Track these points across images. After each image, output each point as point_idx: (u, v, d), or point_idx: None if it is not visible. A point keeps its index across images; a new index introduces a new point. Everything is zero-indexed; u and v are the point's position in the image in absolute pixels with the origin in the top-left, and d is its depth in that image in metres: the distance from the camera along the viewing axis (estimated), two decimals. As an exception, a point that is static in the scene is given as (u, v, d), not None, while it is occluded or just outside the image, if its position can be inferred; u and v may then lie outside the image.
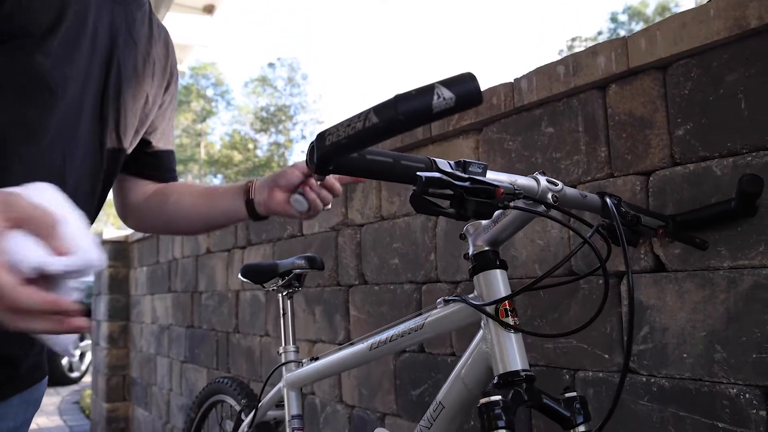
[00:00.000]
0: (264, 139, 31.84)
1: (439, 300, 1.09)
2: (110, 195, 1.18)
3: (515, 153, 1.54)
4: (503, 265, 1.00)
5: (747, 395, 1.08)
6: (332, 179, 1.03)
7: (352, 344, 1.30)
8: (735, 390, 1.09)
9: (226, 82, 42.99)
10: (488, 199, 0.78)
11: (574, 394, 0.94)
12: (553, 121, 1.45)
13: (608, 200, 0.90)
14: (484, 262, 0.99)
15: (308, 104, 32.59)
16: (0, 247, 0.54)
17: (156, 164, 1.19)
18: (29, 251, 0.55)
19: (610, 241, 0.96)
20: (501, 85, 1.56)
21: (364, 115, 0.67)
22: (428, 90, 0.64)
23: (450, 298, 1.06)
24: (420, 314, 1.12)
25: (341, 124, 0.70)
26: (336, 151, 0.71)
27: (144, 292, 4.36)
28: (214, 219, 1.16)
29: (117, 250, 4.70)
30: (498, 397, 0.86)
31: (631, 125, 1.29)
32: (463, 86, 0.64)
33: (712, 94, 1.16)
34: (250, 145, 31.53)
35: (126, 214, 1.22)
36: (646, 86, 1.26)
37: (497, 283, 0.97)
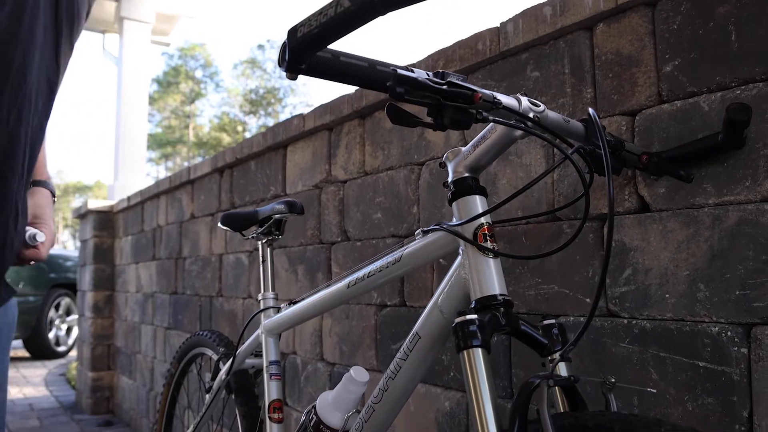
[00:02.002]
0: (253, 122, 31.67)
1: (417, 231, 1.06)
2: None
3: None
4: (483, 192, 0.97)
5: (729, 333, 1.06)
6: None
7: (328, 285, 1.28)
8: (717, 328, 1.07)
9: (215, 63, 42.68)
10: (466, 104, 0.75)
11: (553, 321, 0.92)
12: (539, 64, 1.42)
13: (591, 111, 0.87)
14: (463, 188, 0.97)
15: (298, 87, 32.38)
16: None
17: None
18: None
19: (593, 167, 0.94)
20: (487, 30, 1.53)
21: (335, 1, 0.64)
22: (401, -31, 0.60)
23: (428, 228, 1.03)
24: (398, 247, 1.10)
25: (313, 14, 0.67)
26: (308, 43, 0.68)
27: (129, 261, 4.31)
28: None
29: (102, 220, 4.65)
30: (474, 316, 0.84)
31: (617, 64, 1.26)
32: (439, -33, 0.60)
33: (701, 27, 1.13)
34: (239, 128, 31.34)
35: None
36: (635, 23, 1.23)
37: (476, 208, 0.95)
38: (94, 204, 4.69)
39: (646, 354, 1.17)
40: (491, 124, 0.93)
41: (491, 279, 0.90)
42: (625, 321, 1.21)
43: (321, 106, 2.11)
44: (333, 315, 2.04)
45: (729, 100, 1.08)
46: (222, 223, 1.64)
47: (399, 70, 0.72)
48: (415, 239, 1.07)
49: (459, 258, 0.96)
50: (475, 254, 0.92)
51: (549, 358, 0.90)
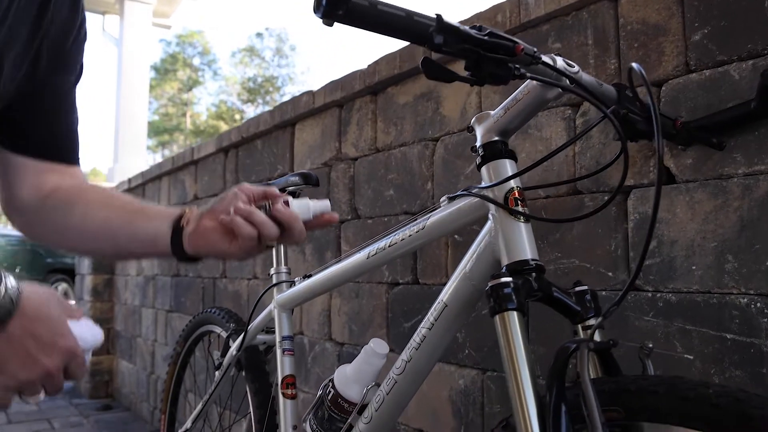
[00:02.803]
0: (251, 111, 31.54)
1: (443, 198, 1.04)
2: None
3: (519, 72, 1.48)
4: (512, 156, 0.95)
5: (758, 304, 1.04)
6: (289, 212, 0.80)
7: (347, 257, 1.25)
8: (745, 300, 1.06)
9: (213, 51, 42.51)
10: (507, 56, 0.73)
11: (585, 287, 0.89)
12: (561, 36, 1.39)
13: (636, 66, 0.84)
14: (492, 152, 0.94)
15: (296, 76, 32.28)
16: (70, 333, 0.67)
17: (52, 139, 0.91)
18: (83, 334, 0.69)
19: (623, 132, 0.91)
20: (506, 1, 1.50)
21: (378, -60, 0.61)
22: None
23: (455, 194, 1.01)
24: (421, 215, 1.07)
25: (353, -45, 0.64)
26: (347, -15, 0.65)
27: (129, 244, 4.28)
28: (126, 244, 0.88)
29: (101, 202, 4.60)
30: (508, 278, 0.82)
31: (644, 34, 1.24)
32: None
33: (732, -7, 1.10)
34: (237, 116, 31.21)
35: (12, 211, 0.93)
36: (662, -9, 1.21)
37: (506, 172, 0.92)
38: (94, 187, 4.65)
39: (671, 327, 1.15)
40: (523, 85, 0.91)
41: (522, 243, 0.88)
42: (650, 294, 1.19)
43: (332, 82, 2.08)
44: (342, 294, 2.02)
45: (761, 68, 1.05)
46: (233, 197, 1.61)
47: (445, 19, 0.69)
48: (440, 206, 1.04)
49: (488, 223, 0.93)
50: (506, 219, 0.90)
51: (581, 325, 0.88)
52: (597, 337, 0.85)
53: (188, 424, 1.86)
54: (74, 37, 0.90)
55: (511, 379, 0.79)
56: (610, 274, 1.26)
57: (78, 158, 0.96)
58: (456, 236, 1.60)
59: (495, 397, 1.48)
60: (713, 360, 1.08)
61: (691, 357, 1.11)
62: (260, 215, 0.79)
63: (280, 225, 0.80)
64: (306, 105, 2.21)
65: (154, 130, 28.64)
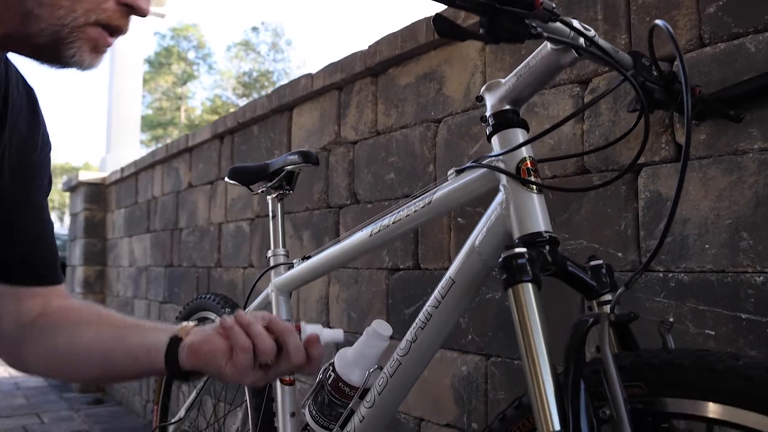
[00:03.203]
0: (246, 105, 31.40)
1: (450, 171, 1.00)
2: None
3: (525, 50, 1.44)
4: (524, 125, 0.91)
5: (775, 283, 1.01)
6: (284, 324, 0.76)
7: (348, 236, 1.21)
8: (761, 278, 1.02)
9: (209, 45, 42.34)
10: (525, 10, 0.69)
11: (600, 261, 0.86)
12: (569, 11, 1.35)
13: (661, 23, 0.80)
14: (503, 120, 0.90)
15: (292, 71, 32.14)
16: None
17: (29, 261, 0.87)
18: None
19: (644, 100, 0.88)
20: (512, -23, 1.46)
21: None
22: None
23: (463, 166, 0.97)
24: (427, 190, 1.03)
25: None
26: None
27: (121, 234, 4.23)
28: (118, 361, 0.81)
29: (93, 192, 4.55)
30: (522, 249, 0.78)
31: (655, 8, 1.20)
32: None
33: (749, -37, 1.07)
34: (232, 111, 31.13)
35: None
36: (675, -38, 1.17)
37: (518, 141, 0.88)
38: (86, 176, 4.59)
39: (683, 308, 1.12)
40: (537, 50, 0.87)
41: (536, 215, 0.84)
42: (661, 274, 1.15)
43: (331, 64, 2.04)
44: (341, 281, 1.98)
45: (779, 39, 1.02)
46: (229, 177, 1.57)
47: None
48: (447, 179, 1.00)
49: (499, 195, 0.89)
50: (518, 189, 0.86)
51: (596, 301, 0.84)
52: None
53: (181, 413, 1.82)
54: (38, 152, 0.87)
55: (525, 355, 0.75)
56: (619, 254, 1.23)
57: (59, 276, 0.91)
58: (459, 219, 1.56)
59: (499, 384, 1.45)
60: (728, 341, 1.05)
61: (713, 332, 1.07)
62: (257, 327, 0.75)
63: (279, 347, 0.75)
64: (304, 88, 2.16)
65: (148, 124, 28.45)
